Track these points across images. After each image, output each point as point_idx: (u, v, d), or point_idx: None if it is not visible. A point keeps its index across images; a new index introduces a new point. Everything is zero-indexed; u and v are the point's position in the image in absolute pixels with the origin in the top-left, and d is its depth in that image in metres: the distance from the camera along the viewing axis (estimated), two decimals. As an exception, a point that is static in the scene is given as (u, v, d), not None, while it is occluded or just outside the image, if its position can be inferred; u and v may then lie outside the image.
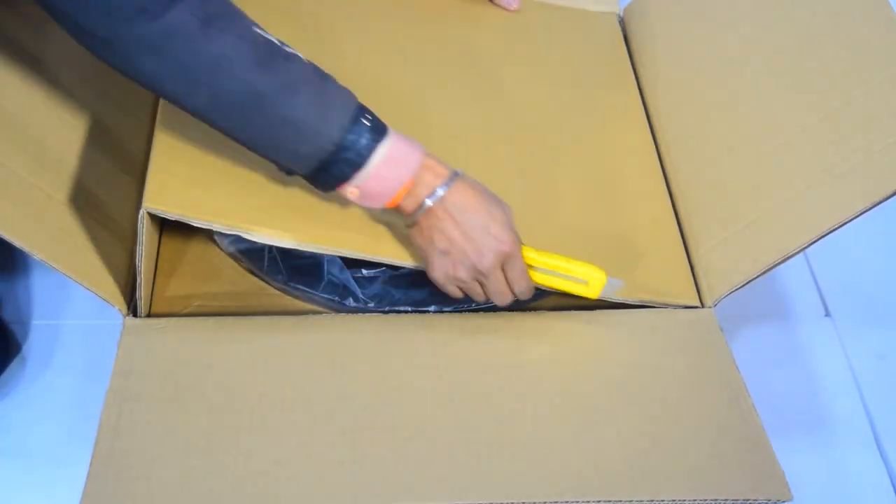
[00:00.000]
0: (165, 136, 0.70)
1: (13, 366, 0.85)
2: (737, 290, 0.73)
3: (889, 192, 0.67)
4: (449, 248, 0.68)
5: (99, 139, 0.78)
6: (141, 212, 0.65)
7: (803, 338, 0.99)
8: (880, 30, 0.73)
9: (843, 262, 1.06)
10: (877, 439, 0.91)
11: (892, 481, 0.88)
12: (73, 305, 0.87)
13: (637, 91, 0.91)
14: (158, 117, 0.71)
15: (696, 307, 0.76)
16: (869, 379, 0.95)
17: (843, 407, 0.93)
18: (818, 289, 1.04)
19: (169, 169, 0.68)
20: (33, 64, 0.75)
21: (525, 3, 0.97)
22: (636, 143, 0.87)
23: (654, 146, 0.87)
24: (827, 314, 1.02)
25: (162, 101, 0.71)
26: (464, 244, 0.67)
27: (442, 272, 0.69)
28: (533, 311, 0.74)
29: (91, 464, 0.61)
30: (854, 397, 0.94)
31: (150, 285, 0.74)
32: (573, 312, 0.74)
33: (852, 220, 0.69)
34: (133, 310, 0.71)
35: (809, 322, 1.00)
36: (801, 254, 1.05)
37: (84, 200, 0.73)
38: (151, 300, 0.73)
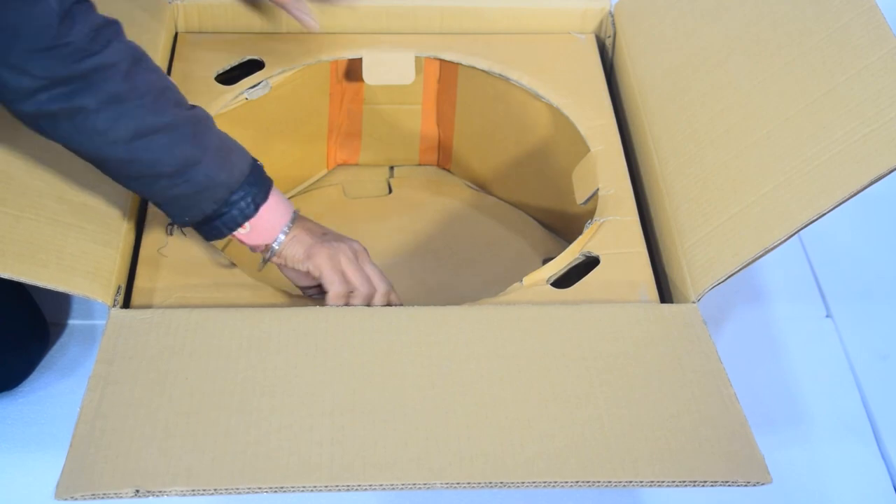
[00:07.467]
0: None
1: (51, 363, 0.90)
2: (719, 283, 0.73)
3: (866, 181, 0.67)
4: (324, 233, 0.76)
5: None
6: None
7: (803, 338, 0.98)
8: (861, 18, 0.73)
9: (844, 263, 1.05)
10: (878, 440, 0.90)
11: (892, 481, 0.87)
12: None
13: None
14: None
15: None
16: (869, 379, 0.94)
17: (844, 407, 0.93)
18: (819, 289, 1.03)
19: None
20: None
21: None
22: None
23: None
24: (827, 315, 1.01)
25: None
26: (331, 234, 0.76)
27: (326, 254, 0.74)
28: (516, 304, 0.75)
29: (71, 443, 0.62)
30: (854, 397, 0.93)
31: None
32: (556, 305, 0.74)
33: (831, 210, 0.68)
34: (119, 302, 0.73)
35: (809, 322, 1.00)
36: (803, 254, 1.06)
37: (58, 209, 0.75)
38: (132, 292, 0.75)
